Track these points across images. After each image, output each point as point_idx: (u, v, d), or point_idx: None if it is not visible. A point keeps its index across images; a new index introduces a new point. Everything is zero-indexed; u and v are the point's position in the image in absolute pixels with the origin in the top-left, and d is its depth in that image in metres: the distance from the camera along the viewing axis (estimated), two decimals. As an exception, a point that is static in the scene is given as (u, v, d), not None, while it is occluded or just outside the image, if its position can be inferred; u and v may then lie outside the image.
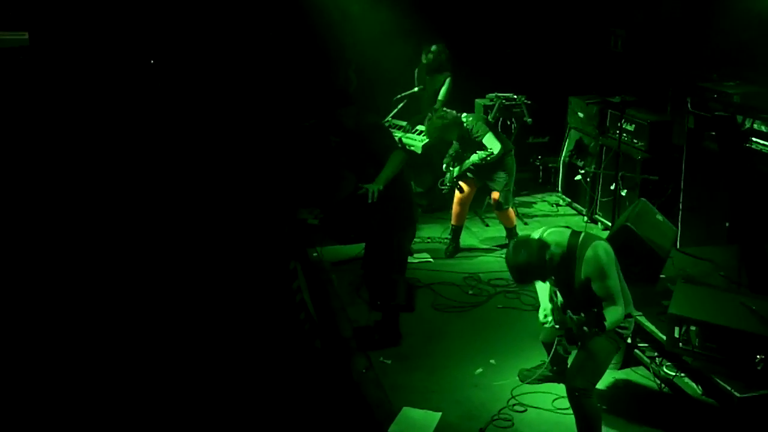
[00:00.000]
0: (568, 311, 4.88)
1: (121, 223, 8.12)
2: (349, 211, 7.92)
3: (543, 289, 5.24)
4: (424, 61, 9.15)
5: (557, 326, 4.96)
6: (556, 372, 5.55)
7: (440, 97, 9.04)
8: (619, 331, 4.97)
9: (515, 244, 4.87)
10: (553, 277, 5.03)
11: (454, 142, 7.87)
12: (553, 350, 5.13)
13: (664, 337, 5.43)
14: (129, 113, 9.62)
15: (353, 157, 6.21)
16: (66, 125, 9.15)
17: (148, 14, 9.65)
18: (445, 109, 8.04)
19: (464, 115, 7.80)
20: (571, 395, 4.90)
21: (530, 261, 4.75)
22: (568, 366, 5.23)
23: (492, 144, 7.57)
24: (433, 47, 9.08)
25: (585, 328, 4.71)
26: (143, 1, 9.63)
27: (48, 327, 6.39)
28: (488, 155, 7.56)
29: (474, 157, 7.64)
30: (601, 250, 4.82)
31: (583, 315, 4.73)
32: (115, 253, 7.56)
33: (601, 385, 5.59)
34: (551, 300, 5.17)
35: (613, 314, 4.74)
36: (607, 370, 5.70)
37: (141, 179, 8.95)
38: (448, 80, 9.04)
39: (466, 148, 7.75)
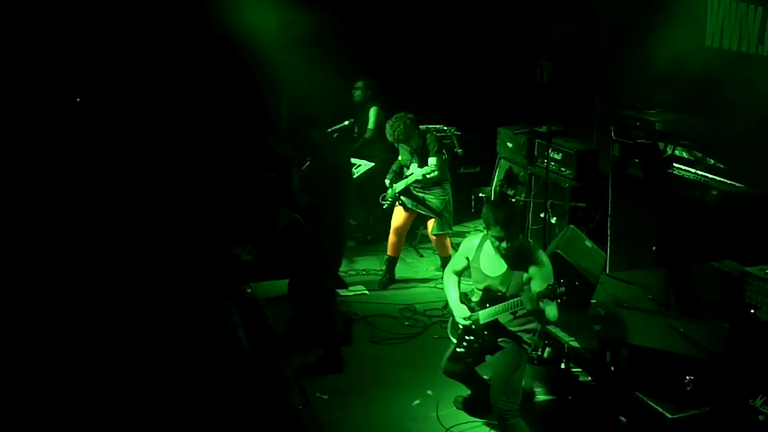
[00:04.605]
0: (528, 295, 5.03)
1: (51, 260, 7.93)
2: (283, 246, 7.87)
3: (454, 294, 5.41)
4: (355, 99, 9.36)
5: (473, 326, 5.20)
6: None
7: (370, 125, 9.10)
8: (528, 337, 5.19)
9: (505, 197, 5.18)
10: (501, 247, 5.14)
11: (402, 154, 7.95)
12: (447, 356, 5.37)
13: (597, 361, 5.50)
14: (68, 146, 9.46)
15: None
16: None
17: (82, 56, 9.52)
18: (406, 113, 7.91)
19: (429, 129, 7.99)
20: (499, 419, 5.04)
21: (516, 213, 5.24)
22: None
23: (434, 165, 7.65)
24: (359, 83, 9.35)
25: (546, 299, 4.88)
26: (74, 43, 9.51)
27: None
28: (430, 171, 7.63)
29: (417, 172, 7.69)
30: (544, 254, 5.19)
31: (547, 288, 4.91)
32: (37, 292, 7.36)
33: (535, 410, 5.66)
34: (462, 301, 5.33)
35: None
36: (542, 396, 5.79)
37: (75, 214, 8.77)
38: (373, 109, 9.14)
39: (420, 160, 7.80)
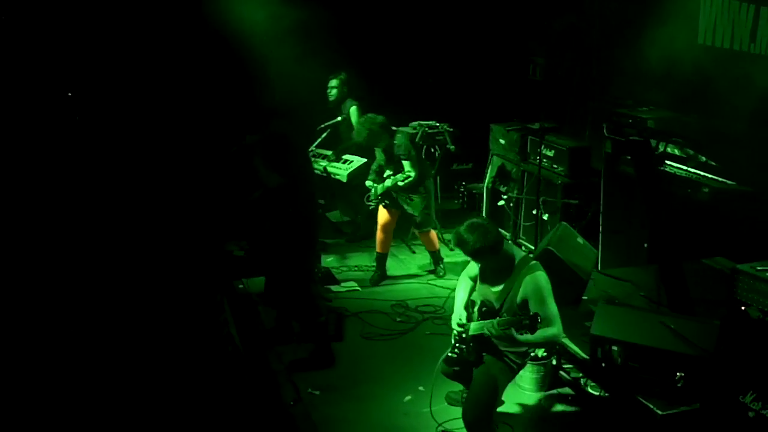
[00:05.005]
0: (492, 320, 4.95)
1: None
2: (275, 242, 7.86)
3: (461, 297, 5.31)
4: (331, 98, 9.09)
5: (464, 335, 5.07)
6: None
7: (356, 128, 8.99)
8: (516, 360, 5.07)
9: (486, 223, 4.99)
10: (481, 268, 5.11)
11: (377, 155, 7.93)
12: (443, 357, 5.22)
13: (588, 358, 5.51)
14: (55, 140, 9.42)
15: None
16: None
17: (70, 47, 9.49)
18: (374, 115, 7.81)
19: (399, 130, 7.90)
20: (468, 429, 4.99)
21: (485, 243, 4.88)
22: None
23: (410, 170, 7.64)
24: (334, 81, 9.01)
25: (512, 329, 4.77)
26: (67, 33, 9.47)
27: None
28: (406, 178, 7.63)
29: (393, 180, 7.69)
30: (541, 276, 4.95)
31: (513, 317, 4.81)
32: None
33: (527, 407, 5.67)
34: (466, 308, 5.24)
35: (547, 331, 4.82)
36: (533, 393, 5.80)
37: (67, 209, 8.75)
38: (353, 110, 8.93)
39: (389, 162, 7.81)
